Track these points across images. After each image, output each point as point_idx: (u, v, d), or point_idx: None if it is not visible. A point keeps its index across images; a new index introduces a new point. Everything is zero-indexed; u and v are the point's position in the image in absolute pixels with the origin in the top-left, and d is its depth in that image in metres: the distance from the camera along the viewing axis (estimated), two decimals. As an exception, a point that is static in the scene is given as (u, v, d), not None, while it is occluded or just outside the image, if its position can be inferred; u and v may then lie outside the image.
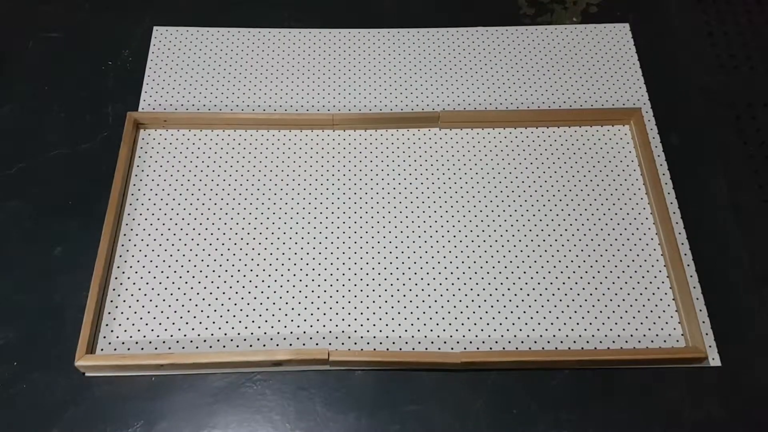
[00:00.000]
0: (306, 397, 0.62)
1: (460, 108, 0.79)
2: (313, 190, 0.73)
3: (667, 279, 0.68)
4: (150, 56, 0.82)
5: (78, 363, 0.61)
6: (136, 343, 0.64)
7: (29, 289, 0.67)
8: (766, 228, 0.72)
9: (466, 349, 0.64)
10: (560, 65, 0.83)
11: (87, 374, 0.63)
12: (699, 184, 0.75)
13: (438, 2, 0.88)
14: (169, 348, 0.64)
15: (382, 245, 0.70)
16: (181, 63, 0.82)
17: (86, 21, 0.85)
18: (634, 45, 0.84)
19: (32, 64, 0.81)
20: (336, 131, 0.77)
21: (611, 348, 0.64)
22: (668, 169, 0.75)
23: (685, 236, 0.71)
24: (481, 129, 0.77)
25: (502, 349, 0.64)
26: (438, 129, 0.78)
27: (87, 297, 0.64)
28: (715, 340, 0.65)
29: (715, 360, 0.64)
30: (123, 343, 0.64)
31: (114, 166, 0.72)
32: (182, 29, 0.84)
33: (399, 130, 0.77)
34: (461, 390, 0.63)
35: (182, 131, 0.77)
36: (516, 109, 0.79)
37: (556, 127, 0.78)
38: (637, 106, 0.79)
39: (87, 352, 0.62)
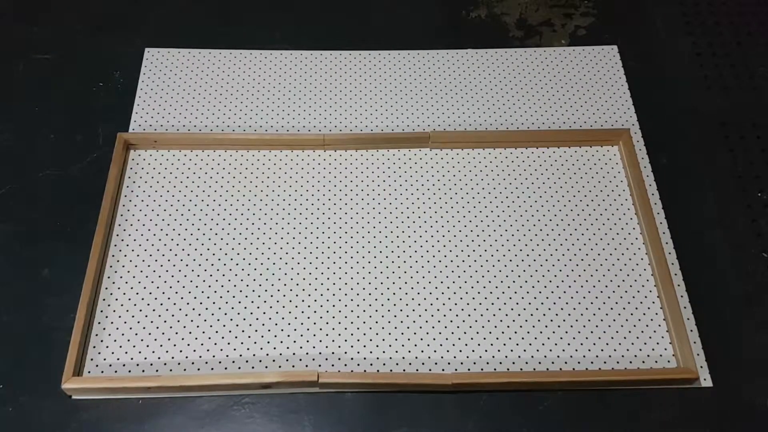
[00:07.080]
0: (295, 420, 0.62)
1: (451, 128, 0.79)
2: (304, 210, 0.73)
3: (658, 299, 0.68)
4: (141, 77, 0.82)
5: (65, 386, 0.60)
6: (124, 365, 0.63)
7: (16, 311, 0.66)
8: (756, 247, 0.72)
9: (458, 371, 0.64)
10: (549, 87, 0.83)
11: (74, 397, 0.62)
12: (688, 204, 0.75)
13: (428, 24, 0.89)
14: (157, 370, 0.63)
15: (372, 265, 0.70)
16: (172, 84, 0.82)
17: (77, 43, 0.85)
18: (623, 67, 0.85)
19: (23, 85, 0.81)
20: (327, 152, 0.77)
21: (602, 369, 0.64)
22: (657, 189, 0.75)
23: (675, 256, 0.71)
24: (471, 149, 0.78)
25: (493, 370, 0.64)
26: (428, 149, 0.78)
27: (74, 319, 0.64)
28: (706, 360, 0.65)
29: (706, 380, 0.64)
30: (110, 365, 0.63)
31: (103, 187, 0.72)
32: (173, 51, 0.85)
33: (390, 150, 0.78)
34: (453, 412, 0.62)
35: (173, 152, 0.77)
36: (506, 129, 0.79)
37: (546, 148, 0.78)
38: (626, 126, 0.80)
39: (74, 375, 0.61)
